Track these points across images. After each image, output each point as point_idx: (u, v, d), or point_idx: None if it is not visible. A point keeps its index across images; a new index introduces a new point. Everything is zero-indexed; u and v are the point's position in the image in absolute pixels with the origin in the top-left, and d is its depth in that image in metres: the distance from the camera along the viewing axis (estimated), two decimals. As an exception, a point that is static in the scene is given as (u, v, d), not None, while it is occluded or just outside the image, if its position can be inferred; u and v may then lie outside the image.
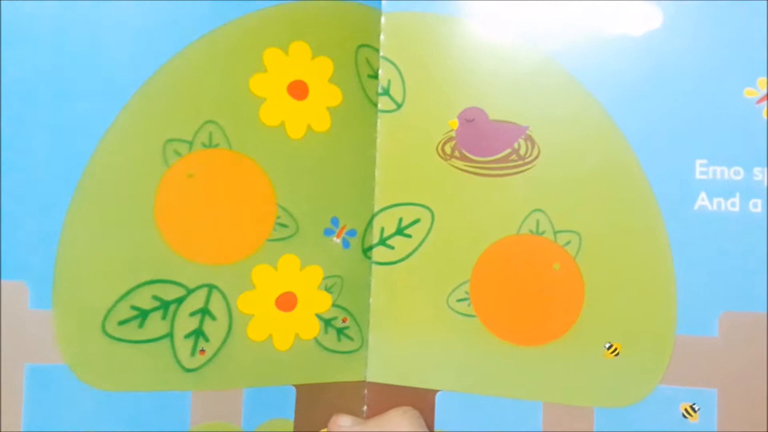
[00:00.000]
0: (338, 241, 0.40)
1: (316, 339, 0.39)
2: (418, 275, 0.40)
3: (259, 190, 0.38)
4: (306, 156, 0.39)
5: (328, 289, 0.39)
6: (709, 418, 0.36)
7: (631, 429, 0.37)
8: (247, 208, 0.38)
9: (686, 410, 0.36)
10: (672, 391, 0.37)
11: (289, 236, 0.39)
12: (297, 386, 0.39)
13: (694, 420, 0.36)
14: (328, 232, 0.39)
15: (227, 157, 0.37)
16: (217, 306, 0.37)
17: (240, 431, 0.38)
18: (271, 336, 0.38)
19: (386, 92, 0.41)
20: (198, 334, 0.37)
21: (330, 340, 0.40)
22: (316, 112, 0.39)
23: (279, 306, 0.38)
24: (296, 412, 0.39)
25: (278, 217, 0.38)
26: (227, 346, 0.37)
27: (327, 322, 0.39)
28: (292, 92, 0.39)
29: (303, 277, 0.39)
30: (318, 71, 0.39)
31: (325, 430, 0.39)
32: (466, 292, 0.39)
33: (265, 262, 0.38)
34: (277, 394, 0.39)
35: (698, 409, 0.36)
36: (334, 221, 0.40)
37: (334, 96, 0.40)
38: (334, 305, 0.40)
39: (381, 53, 0.41)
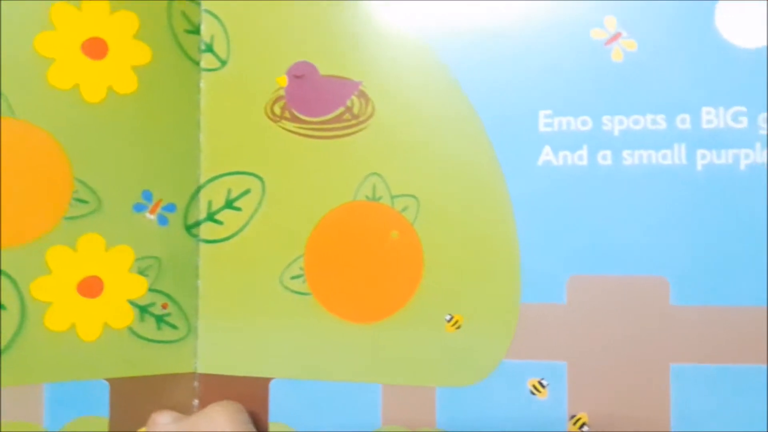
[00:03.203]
0: (152, 217, 0.35)
1: (129, 328, 0.35)
2: (249, 252, 0.36)
3: (50, 162, 0.33)
4: (108, 121, 0.34)
5: (141, 272, 0.35)
6: (558, 393, 0.33)
7: (476, 409, 0.33)
8: (36, 183, 0.33)
9: (534, 386, 0.33)
10: (518, 366, 0.33)
11: (90, 213, 0.34)
12: (111, 380, 0.35)
13: (542, 396, 0.33)
14: (139, 208, 0.35)
15: (10, 126, 0.33)
16: (6, 294, 0.33)
17: (42, 431, 0.33)
18: (74, 325, 0.34)
19: (209, 49, 0.37)
20: (-15, 327, 0.32)
21: (147, 328, 0.35)
22: (119, 72, 0.35)
23: (81, 292, 0.34)
24: (111, 408, 0.35)
25: (75, 192, 0.34)
26: (21, 338, 0.33)
27: (143, 309, 0.35)
28: (88, 51, 0.34)
29: (109, 258, 0.34)
30: (119, 27, 0.35)
31: (144, 429, 0.35)
32: (301, 268, 0.36)
33: (62, 242, 0.34)
34: (86, 389, 0.34)
35: (547, 385, 0.33)
36: (147, 195, 0.35)
37: (140, 54, 0.35)
38: (150, 290, 0.35)
39: (202, 6, 0.37)
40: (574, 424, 0.33)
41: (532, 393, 0.33)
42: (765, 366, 0.32)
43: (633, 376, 0.32)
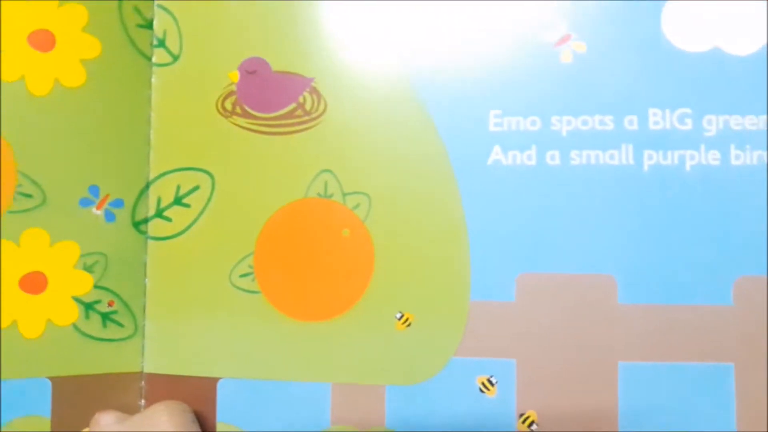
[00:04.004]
0: (99, 212, 0.35)
1: (74, 325, 0.34)
2: (198, 250, 0.36)
3: (-8, 155, 0.32)
4: (54, 115, 0.34)
5: (87, 269, 0.34)
6: (507, 390, 0.33)
7: (426, 408, 0.33)
8: (-23, 176, 0.32)
9: (483, 384, 0.33)
10: (468, 363, 0.33)
11: (34, 207, 0.33)
12: (53, 379, 0.34)
13: (491, 394, 0.33)
14: (86, 203, 0.34)
15: (-48, 117, 0.32)
16: (-56, 290, 0.32)
17: (-20, 433, 0.32)
18: (15, 322, 0.33)
19: (162, 44, 0.37)
20: None
21: (93, 326, 0.35)
22: (66, 65, 0.34)
23: (24, 288, 0.33)
24: (54, 408, 0.34)
25: (19, 186, 0.33)
26: (-41, 335, 0.32)
27: (88, 306, 0.34)
28: (34, 43, 0.33)
29: (54, 254, 0.34)
30: (67, 19, 0.34)
31: (87, 429, 0.34)
32: (250, 266, 0.35)
33: (5, 237, 0.33)
34: (28, 388, 0.34)
35: (496, 382, 0.33)
36: (93, 190, 0.35)
37: (89, 47, 0.35)
38: (96, 287, 0.35)
39: (156, 2, 0.37)
40: (523, 422, 0.33)
41: (481, 391, 0.33)
42: (710, 364, 0.32)
43: (581, 374, 0.33)
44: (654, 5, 0.33)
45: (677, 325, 0.32)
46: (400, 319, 0.34)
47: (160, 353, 0.36)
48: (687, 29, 0.34)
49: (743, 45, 0.33)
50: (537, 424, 0.33)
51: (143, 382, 0.36)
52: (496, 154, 0.34)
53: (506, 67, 0.34)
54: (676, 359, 0.32)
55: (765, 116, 0.33)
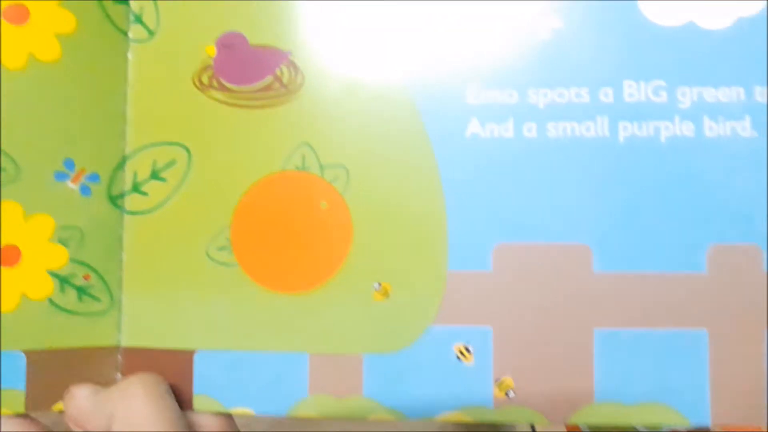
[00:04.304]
0: (74, 186, 0.34)
1: (49, 299, 0.34)
2: (175, 224, 0.36)
3: (-34, 127, 0.32)
4: (28, 89, 0.34)
5: (62, 242, 0.34)
6: (484, 358, 0.33)
7: (403, 375, 0.33)
8: (-50, 148, 0.32)
9: (460, 351, 0.33)
10: (445, 331, 0.33)
11: (8, 181, 0.33)
12: (28, 352, 0.34)
13: (468, 362, 0.33)
14: (60, 176, 0.34)
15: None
16: None
17: (-47, 407, 0.32)
18: (-11, 296, 0.33)
19: (138, 20, 0.37)
20: None
21: (68, 300, 0.34)
22: (41, 40, 0.34)
23: (-2, 261, 0.33)
24: (28, 382, 0.34)
25: (-8, 158, 0.33)
26: (-67, 308, 0.32)
27: (63, 280, 0.34)
28: (8, 16, 0.33)
29: (28, 227, 0.33)
30: (41, -9, 0.34)
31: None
32: (227, 239, 0.35)
33: (-22, 209, 0.32)
34: (2, 361, 0.33)
35: (473, 350, 0.33)
36: (69, 164, 0.34)
37: (64, 22, 0.34)
38: (71, 261, 0.34)
39: (132, -23, 0.36)
40: (500, 388, 0.33)
41: (458, 358, 0.33)
42: (684, 330, 0.32)
43: (557, 341, 0.33)
44: (628, -21, 0.34)
45: (651, 293, 0.33)
46: (378, 289, 0.34)
47: (137, 327, 0.36)
48: (662, 4, 0.34)
49: (717, 20, 0.34)
50: (513, 391, 0.33)
51: (120, 356, 0.35)
52: (474, 126, 0.34)
53: (484, 43, 0.34)
54: (650, 325, 0.33)
55: (738, 88, 0.33)
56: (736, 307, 0.32)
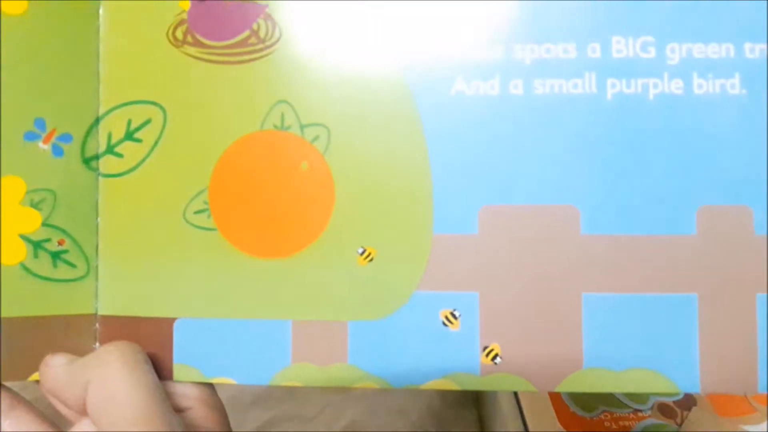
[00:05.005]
0: (46, 147, 0.33)
1: (22, 264, 0.33)
2: (151, 187, 0.35)
3: (-73, 85, 0.31)
4: (-7, 44, 0.32)
5: (34, 206, 0.33)
6: (470, 323, 0.32)
7: (388, 342, 0.33)
8: None
9: (446, 317, 0.32)
10: (431, 297, 0.33)
11: (-25, 142, 0.32)
12: (2, 320, 0.33)
13: (454, 328, 0.33)
14: (31, 137, 0.33)
15: None
16: None
17: None
18: (-42, 262, 0.31)
19: (108, -29, 0.35)
20: None
21: (42, 266, 0.33)
22: (5, -9, 0.32)
23: (-33, 226, 0.32)
24: (3, 350, 0.33)
25: (-43, 118, 0.31)
26: None
27: (36, 245, 0.33)
28: (-30, -35, 0.31)
29: (-2, 190, 0.32)
30: (5, -59, 0.32)
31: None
32: (205, 202, 0.34)
33: (-57, 172, 0.31)
34: (-26, 331, 0.32)
35: (459, 315, 0.32)
36: (39, 123, 0.33)
37: (30, -27, 0.33)
38: (44, 224, 0.33)
39: (102, -72, 0.35)
40: (487, 355, 0.32)
41: (444, 324, 0.33)
42: (674, 294, 0.32)
43: (545, 306, 0.32)
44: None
45: (640, 256, 0.32)
46: (362, 254, 0.33)
47: (115, 294, 0.35)
48: (651, -45, 0.33)
49: (708, -29, 0.32)
50: (501, 357, 0.32)
51: (97, 324, 0.35)
52: (459, 84, 0.33)
53: (468, -5, 0.33)
54: (639, 290, 0.32)
55: (728, 44, 0.32)
56: (727, 270, 0.32)
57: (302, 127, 0.33)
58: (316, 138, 0.33)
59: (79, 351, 0.34)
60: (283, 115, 0.34)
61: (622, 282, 0.32)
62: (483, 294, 0.33)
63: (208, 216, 0.34)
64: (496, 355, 0.32)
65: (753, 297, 0.32)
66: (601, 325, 0.32)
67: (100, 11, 0.35)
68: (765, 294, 0.32)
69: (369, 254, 0.33)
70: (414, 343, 0.33)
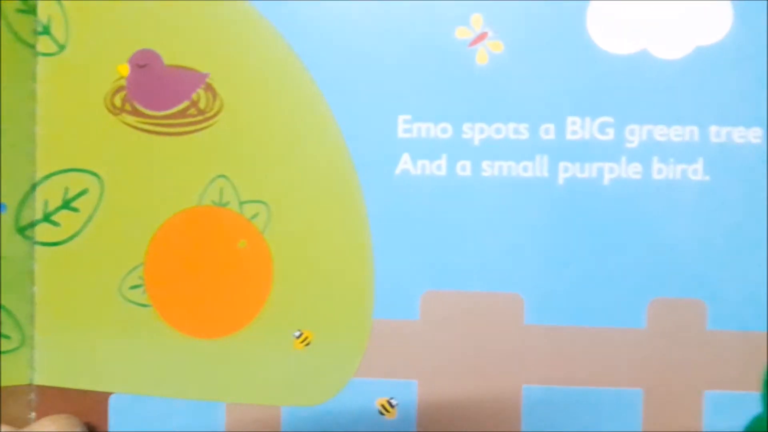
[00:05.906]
0: (-23, 219, 0.32)
1: (-47, 339, 0.32)
2: (87, 258, 0.34)
3: None
4: None
5: (-34, 278, 0.32)
6: (408, 413, 0.31)
7: (323, 428, 0.32)
8: None
9: (383, 406, 0.32)
10: (368, 384, 0.32)
11: None
12: (-68, 397, 0.32)
13: (391, 417, 0.32)
14: (-39, 208, 0.32)
15: None
16: None
17: None
18: None
19: (46, 31, 0.33)
20: None
21: (-26, 339, 0.32)
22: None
23: None
24: (-67, 427, 0.32)
25: None
26: None
27: (-33, 318, 0.32)
28: None
29: (-75, 265, 0.31)
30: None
31: (-31, 447, 0.32)
32: (141, 278, 0.33)
33: None
34: None
35: (396, 404, 0.31)
36: (-30, 195, 0.32)
37: (-42, 35, 0.31)
38: (-24, 297, 0.32)
39: (38, -16, 0.33)
40: (423, 445, 0.31)
41: (381, 413, 0.32)
42: (619, 389, 0.31)
43: (485, 397, 0.31)
44: (579, 4, 0.31)
45: (585, 348, 0.31)
46: (298, 337, 0.32)
47: (51, 365, 0.34)
48: (614, 29, 0.31)
49: (673, 48, 0.31)
50: (436, 450, 0.31)
51: (33, 395, 0.34)
52: (405, 163, 0.32)
53: (417, 69, 0.31)
54: (583, 383, 0.31)
55: (692, 127, 0.30)
56: (675, 365, 0.31)
57: (241, 203, 0.32)
58: (255, 215, 0.32)
59: (15, 421, 0.33)
60: (221, 190, 0.32)
61: (565, 374, 0.31)
62: (422, 382, 0.32)
63: (143, 292, 0.33)
64: (433, 445, 0.31)
65: (701, 394, 0.31)
66: (541, 419, 0.31)
67: (37, 70, 0.34)
68: (713, 391, 0.30)
69: (306, 338, 0.32)
70: (348, 430, 0.32)
